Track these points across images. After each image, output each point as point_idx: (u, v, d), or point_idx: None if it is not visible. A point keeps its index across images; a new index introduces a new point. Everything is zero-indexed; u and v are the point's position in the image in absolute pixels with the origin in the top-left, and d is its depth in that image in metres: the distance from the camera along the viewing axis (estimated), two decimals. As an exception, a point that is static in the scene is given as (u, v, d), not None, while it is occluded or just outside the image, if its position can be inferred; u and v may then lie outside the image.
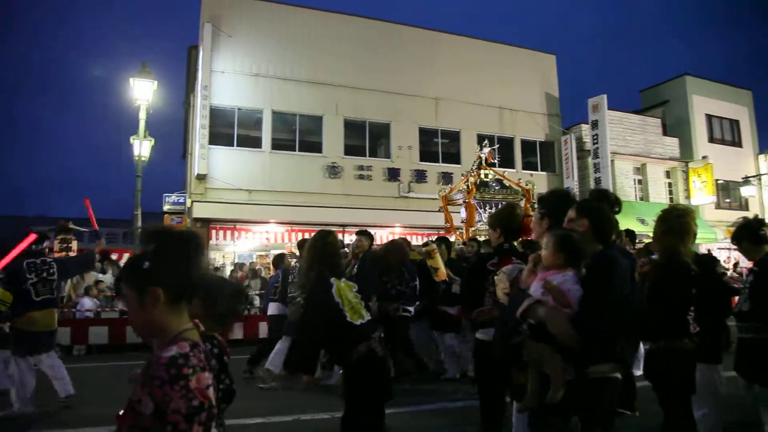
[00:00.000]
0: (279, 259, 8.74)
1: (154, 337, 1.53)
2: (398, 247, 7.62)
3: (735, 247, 4.52)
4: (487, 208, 10.30)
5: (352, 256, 7.42)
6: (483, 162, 10.83)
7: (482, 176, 10.61)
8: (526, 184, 10.84)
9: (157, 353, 1.45)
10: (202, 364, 1.44)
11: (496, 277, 3.39)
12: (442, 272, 7.16)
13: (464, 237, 10.06)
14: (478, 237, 9.56)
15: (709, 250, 17.85)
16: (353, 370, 3.77)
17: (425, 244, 7.87)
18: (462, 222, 10.64)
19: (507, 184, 10.77)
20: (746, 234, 4.37)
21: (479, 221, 10.20)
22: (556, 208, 3.14)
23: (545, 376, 2.52)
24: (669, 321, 3.56)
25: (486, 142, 11.46)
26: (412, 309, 7.43)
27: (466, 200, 10.26)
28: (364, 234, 7.54)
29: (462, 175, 10.99)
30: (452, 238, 9.81)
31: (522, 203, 10.34)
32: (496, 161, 11.72)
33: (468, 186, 10.35)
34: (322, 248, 4.02)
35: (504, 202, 10.23)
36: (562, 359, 2.47)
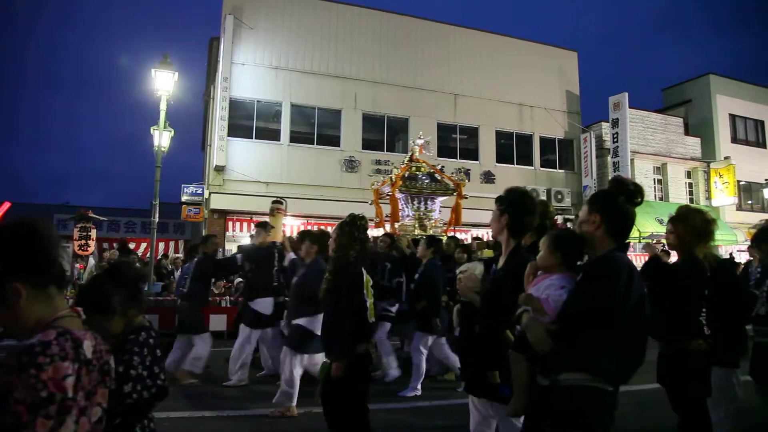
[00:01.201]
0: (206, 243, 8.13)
1: (30, 330, 1.45)
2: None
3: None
4: (415, 203, 9.95)
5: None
6: (415, 154, 10.41)
7: (413, 169, 10.16)
8: (458, 179, 10.47)
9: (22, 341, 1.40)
10: (63, 353, 1.36)
11: (462, 275, 3.35)
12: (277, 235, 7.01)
13: (398, 232, 9.68)
14: (405, 233, 9.33)
15: (731, 254, 17.61)
16: (351, 368, 3.77)
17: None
18: (386, 216, 10.14)
19: (439, 178, 10.31)
20: (766, 236, 4.33)
21: (408, 216, 9.87)
22: (515, 205, 3.14)
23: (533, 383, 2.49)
24: (685, 322, 3.50)
25: (421, 133, 11.06)
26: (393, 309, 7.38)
27: (390, 193, 9.82)
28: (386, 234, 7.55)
29: (398, 166, 10.62)
30: (377, 232, 9.52)
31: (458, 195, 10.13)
32: (430, 153, 11.28)
33: (392, 179, 9.87)
34: (356, 232, 4.04)
35: (433, 197, 10.06)
36: (529, 371, 2.45)
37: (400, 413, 5.98)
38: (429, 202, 10.10)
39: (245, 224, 16.13)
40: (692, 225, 3.70)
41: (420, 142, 10.55)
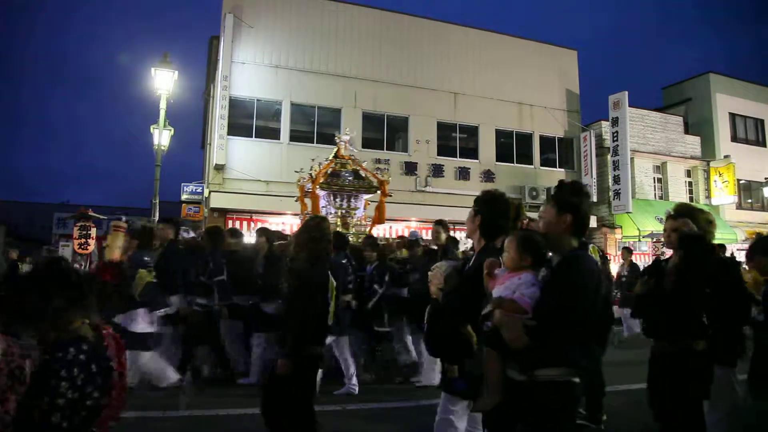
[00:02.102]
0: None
1: None
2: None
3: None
4: (337, 200, 9.79)
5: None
6: (341, 151, 10.23)
7: (337, 166, 9.99)
8: (382, 176, 10.28)
9: None
10: None
11: (430, 273, 3.40)
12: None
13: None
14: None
15: (732, 253, 17.61)
16: (298, 368, 3.75)
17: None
18: (306, 213, 9.92)
19: (363, 175, 10.14)
20: (761, 248, 4.34)
21: (330, 214, 9.64)
22: (488, 207, 3.23)
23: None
24: (689, 321, 3.52)
25: (347, 129, 10.84)
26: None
27: (311, 190, 9.68)
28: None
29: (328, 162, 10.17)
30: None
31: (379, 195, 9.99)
32: (354, 150, 11.00)
33: (313, 175, 9.71)
34: (321, 233, 4.02)
35: (356, 193, 9.90)
36: (501, 368, 2.49)
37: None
38: (353, 200, 9.95)
39: (245, 223, 16.12)
40: (695, 224, 3.66)
41: (346, 138, 10.39)
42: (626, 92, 19.86)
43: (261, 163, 16.31)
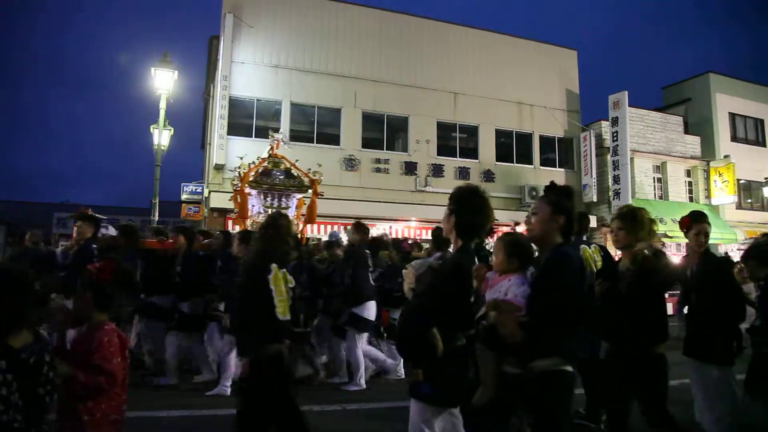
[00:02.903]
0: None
1: None
2: None
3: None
4: (268, 199, 9.71)
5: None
6: (274, 149, 10.11)
7: (269, 164, 9.88)
8: (314, 175, 10.20)
9: None
10: None
11: (404, 271, 3.38)
12: None
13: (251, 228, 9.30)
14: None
15: (726, 252, 17.61)
16: (257, 368, 3.67)
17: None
18: (234, 212, 9.93)
19: (296, 174, 10.04)
20: (754, 253, 4.35)
21: (259, 213, 9.56)
22: (462, 205, 3.12)
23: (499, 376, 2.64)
24: (648, 324, 3.54)
25: (281, 129, 10.66)
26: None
27: (239, 188, 9.54)
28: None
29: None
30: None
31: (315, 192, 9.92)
32: (288, 147, 10.89)
33: (240, 174, 9.62)
34: (272, 229, 3.96)
35: (288, 192, 9.82)
36: (496, 363, 2.60)
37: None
38: (284, 199, 9.88)
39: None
40: (641, 224, 3.72)
41: (279, 136, 10.32)
42: (626, 92, 19.86)
43: (261, 162, 16.29)
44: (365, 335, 7.07)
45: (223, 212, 15.85)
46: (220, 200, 15.58)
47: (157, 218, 12.47)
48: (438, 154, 18.58)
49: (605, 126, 20.64)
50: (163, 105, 12.66)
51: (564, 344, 2.51)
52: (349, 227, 7.80)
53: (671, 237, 16.62)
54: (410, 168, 17.97)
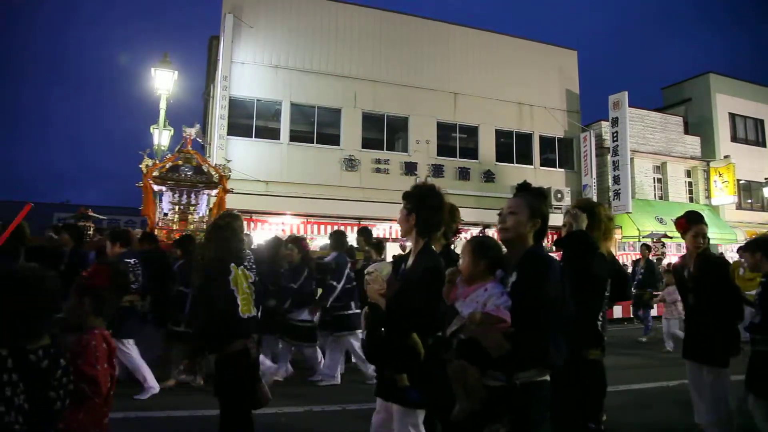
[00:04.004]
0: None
1: None
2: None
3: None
4: (175, 195, 9.50)
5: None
6: (186, 145, 9.82)
7: (180, 160, 9.60)
8: (223, 170, 10.02)
9: None
10: None
11: (368, 276, 3.33)
12: None
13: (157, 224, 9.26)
14: (172, 226, 8.97)
15: (721, 253, 17.62)
16: (224, 366, 3.68)
17: None
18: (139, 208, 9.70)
19: (206, 170, 9.82)
20: (765, 246, 4.34)
21: (168, 210, 9.40)
22: (422, 203, 3.08)
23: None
24: (581, 328, 3.26)
25: (197, 124, 10.43)
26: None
27: (142, 183, 9.28)
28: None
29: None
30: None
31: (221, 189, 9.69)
32: (203, 142, 10.67)
33: (144, 168, 9.29)
34: (228, 231, 3.94)
35: (197, 189, 9.64)
36: (478, 376, 2.45)
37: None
38: (193, 196, 9.69)
39: (244, 223, 16.15)
40: (598, 220, 3.52)
41: (190, 131, 10.04)
42: (626, 92, 19.88)
43: (261, 163, 16.31)
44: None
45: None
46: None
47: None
48: (438, 155, 18.58)
49: (605, 126, 20.66)
50: (163, 105, 12.67)
51: (546, 353, 2.42)
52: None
53: (671, 237, 16.65)
54: (410, 168, 17.97)
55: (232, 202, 15.68)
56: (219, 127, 15.67)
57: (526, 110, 20.19)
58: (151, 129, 12.94)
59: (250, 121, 16.70)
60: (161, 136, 12.66)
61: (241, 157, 16.10)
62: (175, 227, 9.31)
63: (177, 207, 9.45)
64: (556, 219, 14.15)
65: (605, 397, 5.29)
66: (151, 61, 12.86)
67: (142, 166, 9.26)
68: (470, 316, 2.50)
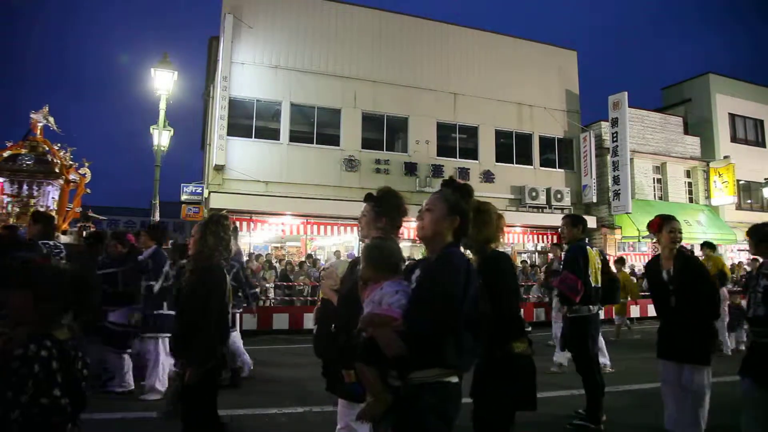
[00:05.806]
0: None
1: None
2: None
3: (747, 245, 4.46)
4: (15, 187, 9.12)
5: None
6: (34, 132, 9.39)
7: (25, 148, 9.17)
8: (66, 160, 9.52)
9: None
10: None
11: (323, 272, 3.33)
12: None
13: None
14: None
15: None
16: (209, 372, 3.60)
17: None
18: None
19: (50, 160, 9.24)
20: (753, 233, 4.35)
21: (7, 202, 8.97)
22: (391, 205, 3.12)
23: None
24: (510, 321, 3.20)
25: (45, 106, 9.84)
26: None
27: None
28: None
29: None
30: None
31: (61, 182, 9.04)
32: (56, 129, 10.01)
33: None
34: (223, 231, 3.86)
35: (38, 179, 9.13)
36: (376, 374, 2.39)
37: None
38: (35, 187, 9.21)
39: (245, 223, 16.14)
40: (490, 218, 3.53)
41: (37, 116, 9.63)
42: (626, 93, 19.88)
43: (261, 163, 16.32)
44: None
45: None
46: (220, 201, 15.60)
47: (157, 219, 12.45)
48: (438, 155, 18.58)
49: (605, 126, 20.66)
50: (163, 105, 12.65)
51: (444, 354, 2.31)
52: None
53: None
54: (410, 168, 17.97)
55: (232, 203, 15.76)
56: (219, 127, 15.68)
57: (525, 110, 20.20)
58: (151, 129, 12.92)
59: (250, 121, 16.70)
60: (161, 137, 12.64)
61: (241, 158, 16.12)
62: (12, 221, 8.55)
63: (18, 198, 8.93)
64: (556, 219, 14.19)
65: (604, 397, 5.33)
66: (151, 62, 12.86)
67: None
68: (362, 318, 2.48)
